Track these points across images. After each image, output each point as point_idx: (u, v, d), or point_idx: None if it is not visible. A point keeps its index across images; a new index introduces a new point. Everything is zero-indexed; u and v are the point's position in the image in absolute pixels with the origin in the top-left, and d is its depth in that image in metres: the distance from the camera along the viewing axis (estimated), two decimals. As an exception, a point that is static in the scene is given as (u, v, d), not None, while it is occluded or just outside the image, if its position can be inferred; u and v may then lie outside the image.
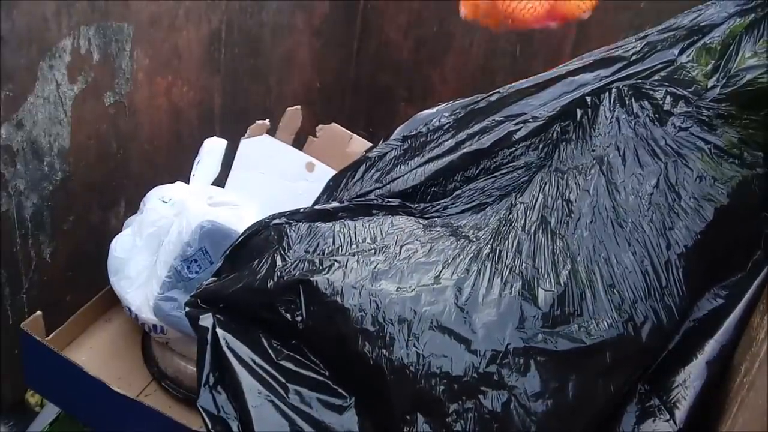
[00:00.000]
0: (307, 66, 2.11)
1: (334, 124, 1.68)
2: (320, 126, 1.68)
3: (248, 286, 1.02)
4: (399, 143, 1.29)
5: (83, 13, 1.38)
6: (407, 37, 2.21)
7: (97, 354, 1.45)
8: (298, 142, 1.69)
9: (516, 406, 0.86)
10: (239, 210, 1.43)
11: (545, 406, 0.86)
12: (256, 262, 1.05)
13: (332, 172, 1.42)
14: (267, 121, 1.61)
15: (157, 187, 1.44)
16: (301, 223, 1.09)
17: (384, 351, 0.89)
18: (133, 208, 1.50)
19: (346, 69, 2.28)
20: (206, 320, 1.00)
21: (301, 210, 1.17)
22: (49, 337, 1.38)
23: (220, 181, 1.52)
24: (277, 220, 1.12)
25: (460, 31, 2.12)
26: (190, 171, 1.43)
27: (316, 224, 1.08)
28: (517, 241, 1.03)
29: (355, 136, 1.66)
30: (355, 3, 2.21)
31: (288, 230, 1.07)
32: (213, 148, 1.44)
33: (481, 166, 1.22)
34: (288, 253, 1.03)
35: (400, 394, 0.88)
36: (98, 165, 1.55)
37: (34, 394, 1.60)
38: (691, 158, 1.08)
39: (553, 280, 0.96)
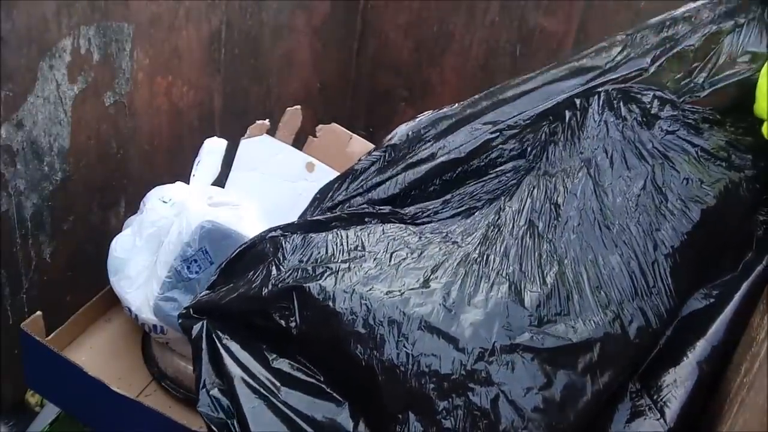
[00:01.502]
0: (307, 66, 2.11)
1: (334, 124, 1.68)
2: (320, 126, 1.68)
3: (243, 294, 1.04)
4: (382, 153, 1.31)
5: (83, 13, 1.38)
6: (407, 37, 2.21)
7: (97, 354, 1.45)
8: (298, 142, 1.68)
9: (504, 402, 0.88)
10: (239, 210, 1.43)
11: (533, 402, 0.88)
12: (251, 272, 1.07)
13: (332, 172, 1.42)
14: (267, 121, 1.60)
15: (157, 187, 1.44)
16: (295, 235, 1.11)
17: (375, 352, 0.91)
18: (133, 208, 1.50)
19: (346, 69, 2.28)
20: (200, 327, 1.02)
21: (296, 222, 1.19)
22: (49, 337, 1.38)
23: (220, 181, 1.52)
24: (272, 233, 1.14)
25: (460, 31, 2.12)
26: (190, 171, 1.43)
27: (310, 235, 1.11)
28: (504, 245, 1.05)
29: (355, 136, 1.66)
30: (355, 3, 2.21)
31: (283, 242, 1.09)
32: (213, 148, 1.44)
33: (460, 169, 1.23)
34: (283, 264, 1.05)
35: (392, 394, 0.90)
36: (98, 165, 1.55)
37: (34, 394, 1.60)
38: (678, 161, 1.09)
39: (539, 282, 0.99)
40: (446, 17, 2.12)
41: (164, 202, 1.40)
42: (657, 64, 1.23)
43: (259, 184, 1.56)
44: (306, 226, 1.16)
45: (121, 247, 1.39)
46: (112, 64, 1.49)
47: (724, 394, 0.96)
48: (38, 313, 1.33)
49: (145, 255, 1.38)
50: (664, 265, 1.00)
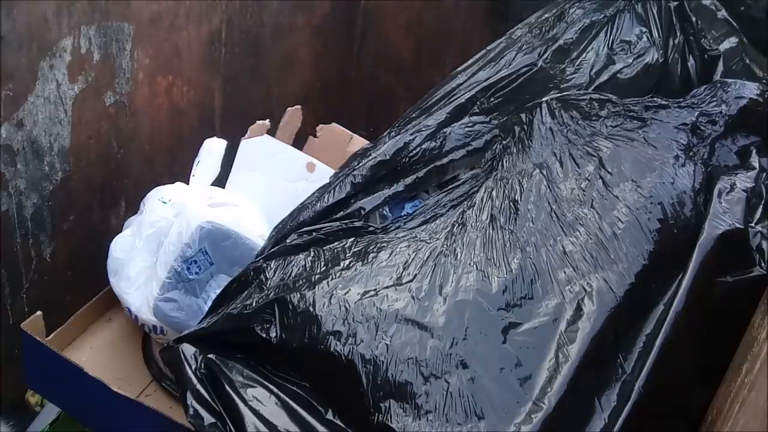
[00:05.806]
0: (307, 66, 2.11)
1: (334, 124, 1.68)
2: (320, 126, 1.68)
3: (228, 315, 1.09)
4: (337, 176, 1.35)
5: (84, 12, 1.38)
6: (407, 37, 2.21)
7: (97, 354, 1.45)
8: (298, 142, 1.68)
9: (479, 383, 0.94)
10: (239, 210, 1.43)
11: (507, 381, 0.94)
12: (237, 298, 1.13)
13: (332, 173, 1.42)
14: (267, 121, 1.60)
15: (156, 188, 1.44)
16: (278, 260, 1.17)
17: (355, 347, 0.97)
18: (133, 208, 1.50)
19: (347, 69, 2.28)
20: (186, 349, 1.06)
21: (276, 249, 1.24)
22: (49, 337, 1.38)
23: (220, 181, 1.52)
24: (255, 264, 1.20)
25: (460, 31, 2.12)
26: (190, 171, 1.43)
27: (289, 257, 1.17)
28: (469, 238, 1.12)
29: (355, 136, 1.66)
30: (356, 3, 2.21)
31: (265, 267, 1.16)
32: (212, 148, 1.44)
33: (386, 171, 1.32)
34: (265, 284, 1.13)
35: (374, 385, 0.95)
36: (98, 165, 1.55)
37: (34, 394, 1.60)
38: (625, 147, 1.17)
39: (505, 269, 1.05)
40: (446, 17, 2.12)
41: (164, 202, 1.40)
42: (543, 58, 1.37)
43: (259, 184, 1.56)
44: (286, 251, 1.22)
45: (120, 247, 1.39)
46: (113, 64, 1.49)
47: (725, 394, 0.96)
48: (38, 313, 1.33)
49: (145, 256, 1.38)
50: (621, 237, 1.05)
